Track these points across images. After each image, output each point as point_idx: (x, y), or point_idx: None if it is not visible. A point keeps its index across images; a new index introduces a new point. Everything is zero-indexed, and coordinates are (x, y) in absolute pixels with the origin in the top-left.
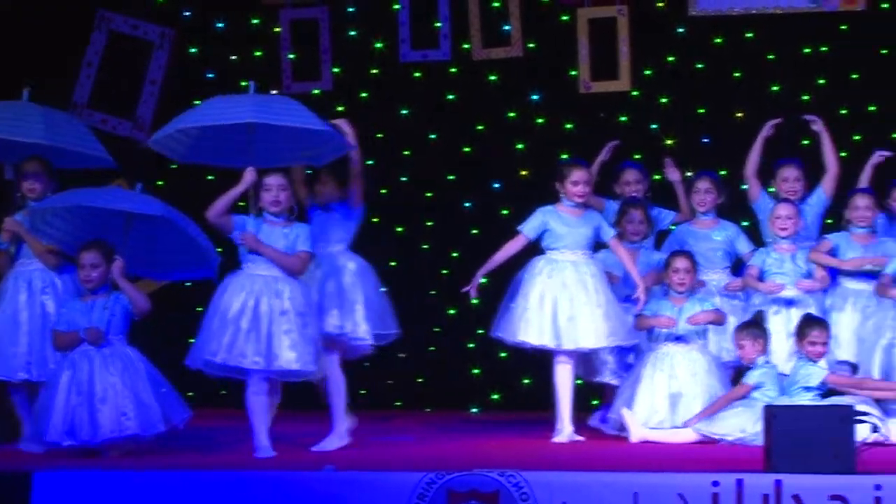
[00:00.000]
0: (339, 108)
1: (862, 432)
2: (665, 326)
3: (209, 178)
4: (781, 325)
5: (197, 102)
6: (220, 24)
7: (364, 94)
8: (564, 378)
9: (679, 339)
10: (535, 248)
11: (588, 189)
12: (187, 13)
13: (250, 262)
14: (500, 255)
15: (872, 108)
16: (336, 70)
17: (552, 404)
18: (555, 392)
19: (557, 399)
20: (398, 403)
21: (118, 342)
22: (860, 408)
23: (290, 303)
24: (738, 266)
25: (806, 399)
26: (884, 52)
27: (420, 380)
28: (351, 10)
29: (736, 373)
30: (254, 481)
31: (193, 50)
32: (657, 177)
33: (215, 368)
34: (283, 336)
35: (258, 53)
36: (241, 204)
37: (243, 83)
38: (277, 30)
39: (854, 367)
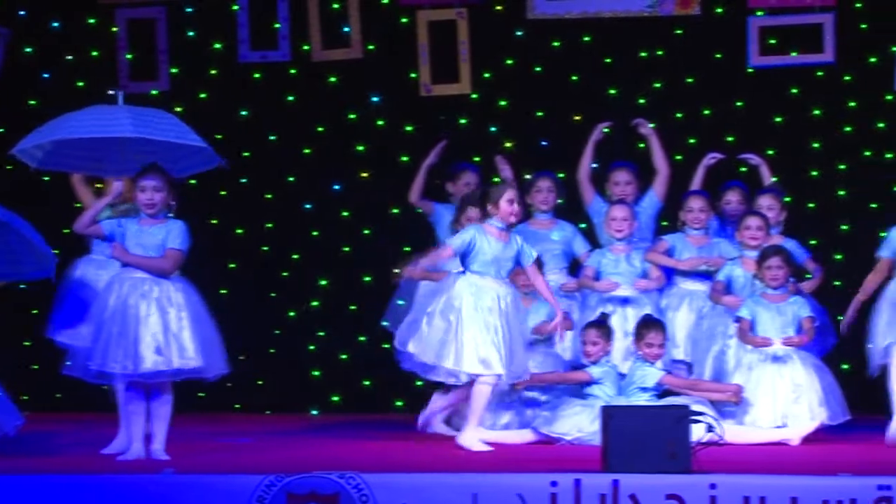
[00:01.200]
0: (178, 109)
1: (697, 432)
2: None
3: (45, 178)
4: (618, 324)
5: (33, 102)
6: (55, 24)
7: (203, 95)
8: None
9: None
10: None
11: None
12: (22, 13)
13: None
14: None
15: (707, 112)
16: (174, 70)
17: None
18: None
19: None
20: (237, 406)
21: None
22: (695, 408)
23: (158, 303)
24: (575, 266)
25: (642, 399)
26: (718, 56)
27: (260, 382)
28: (189, 10)
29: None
30: (92, 484)
31: (29, 50)
32: (496, 179)
33: (90, 376)
34: (149, 338)
35: (95, 53)
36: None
37: (110, 92)
38: (114, 29)
39: (689, 366)
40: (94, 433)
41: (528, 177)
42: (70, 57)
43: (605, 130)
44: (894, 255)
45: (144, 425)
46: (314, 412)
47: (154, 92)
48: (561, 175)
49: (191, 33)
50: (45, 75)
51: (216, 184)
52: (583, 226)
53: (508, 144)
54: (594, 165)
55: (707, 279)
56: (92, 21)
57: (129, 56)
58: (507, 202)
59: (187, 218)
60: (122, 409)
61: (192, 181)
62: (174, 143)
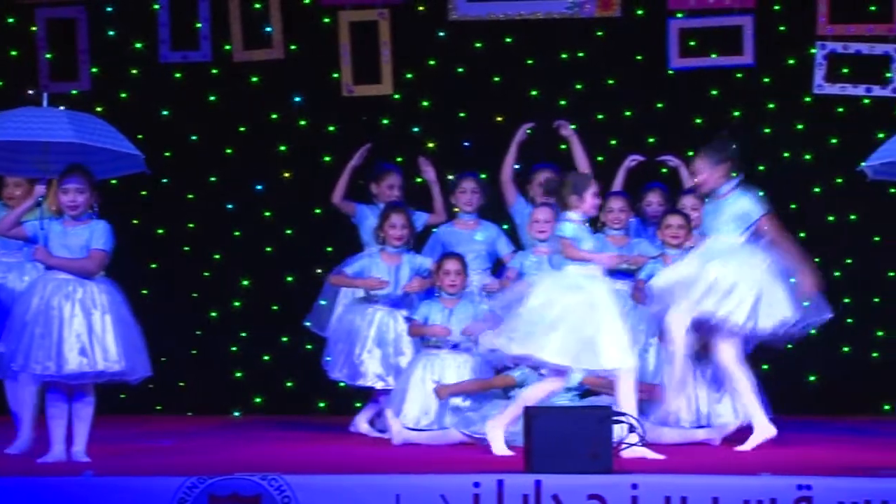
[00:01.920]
0: (98, 109)
1: (619, 432)
2: (438, 335)
3: None
4: None
5: None
6: None
7: (124, 95)
8: None
9: (454, 346)
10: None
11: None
12: None
13: (49, 268)
14: None
15: (627, 114)
16: (95, 70)
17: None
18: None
19: None
20: (159, 407)
21: None
22: (617, 408)
23: (82, 305)
24: (498, 267)
25: (565, 400)
26: (638, 58)
27: (182, 384)
28: (109, 9)
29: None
30: (11, 487)
31: None
32: (418, 180)
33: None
34: (73, 338)
35: (14, 53)
36: None
37: (30, 92)
38: (34, 29)
39: None
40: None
41: (450, 177)
42: None
43: (528, 131)
44: None
45: (66, 427)
46: (236, 413)
47: (74, 92)
48: (483, 176)
49: (111, 33)
50: None
51: (137, 184)
52: (505, 227)
53: (431, 145)
54: (516, 166)
55: (628, 278)
56: (11, 20)
57: (48, 56)
58: (594, 195)
59: (108, 218)
60: (22, 408)
61: (113, 181)
62: (108, 150)
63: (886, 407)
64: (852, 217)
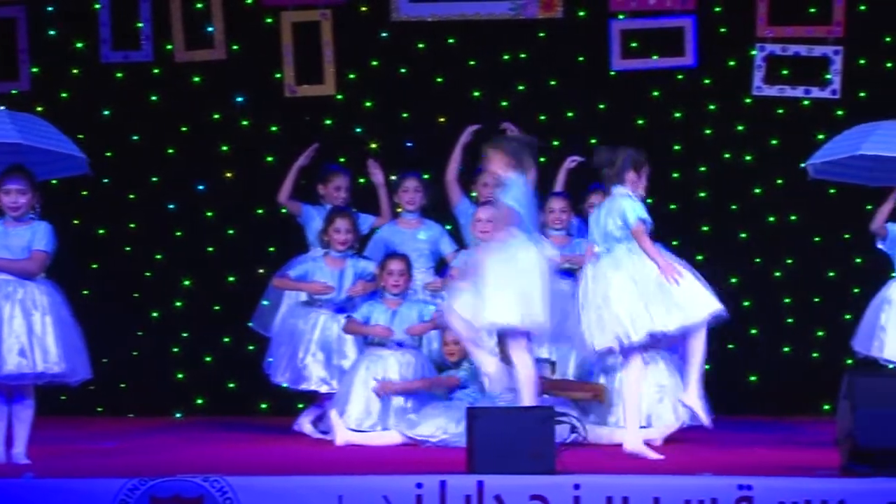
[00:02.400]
0: (39, 109)
1: (561, 433)
2: (380, 335)
3: None
4: None
5: None
6: None
7: (64, 95)
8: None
9: (399, 344)
10: None
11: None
12: None
13: None
14: None
15: (570, 115)
16: (35, 70)
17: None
18: None
19: None
20: (100, 409)
21: None
22: (559, 408)
23: (22, 305)
24: (442, 266)
25: (507, 400)
26: (580, 59)
27: (123, 385)
28: (50, 9)
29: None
30: None
31: None
32: (361, 180)
33: None
34: (12, 339)
35: None
36: None
37: None
38: None
39: (553, 365)
40: None
41: (394, 177)
42: None
43: (471, 133)
44: None
45: (5, 429)
46: (178, 415)
47: (14, 92)
48: (426, 176)
49: (52, 32)
50: None
51: (79, 184)
52: (448, 227)
53: (374, 145)
54: (460, 167)
55: (570, 277)
56: None
57: None
58: (647, 174)
59: (49, 218)
60: None
61: (54, 182)
62: (50, 151)
63: (826, 407)
64: (793, 218)
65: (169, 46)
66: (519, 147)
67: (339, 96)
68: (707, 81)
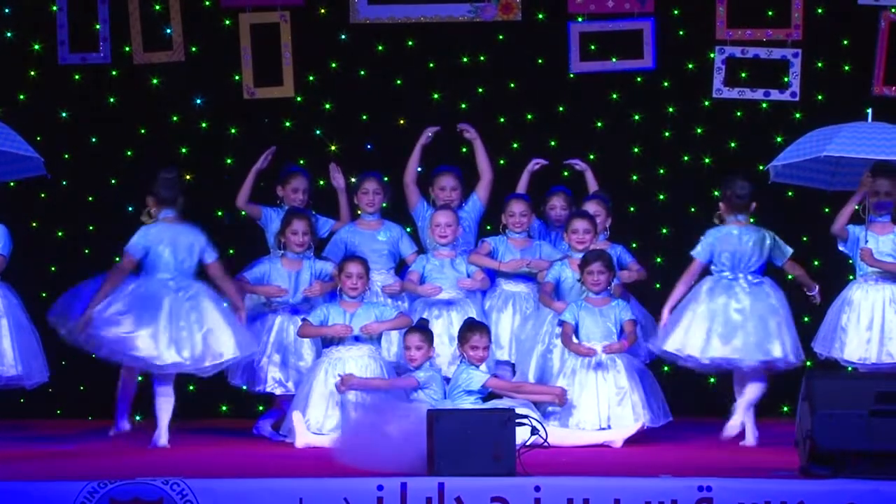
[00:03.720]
0: None
1: (521, 435)
2: (339, 334)
3: None
4: (443, 328)
5: None
6: None
7: (22, 96)
8: None
9: (356, 339)
10: None
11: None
12: None
13: None
14: None
15: (530, 117)
16: None
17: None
18: None
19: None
20: (59, 412)
21: None
22: (520, 411)
23: None
24: (402, 267)
25: (468, 403)
26: (540, 61)
27: (82, 387)
28: (7, 10)
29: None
30: None
31: None
32: (321, 182)
33: None
34: None
35: None
36: None
37: None
38: None
39: (513, 367)
40: None
41: (353, 180)
42: None
43: (431, 135)
44: (705, 260)
45: None
46: (138, 417)
47: None
48: (385, 179)
49: (9, 34)
50: None
51: (36, 186)
52: (408, 229)
53: (333, 147)
54: (419, 169)
55: (530, 281)
56: None
57: None
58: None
59: (6, 221)
60: None
61: (11, 184)
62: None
63: (786, 408)
64: (752, 220)
65: (127, 48)
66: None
67: (299, 98)
68: (666, 84)
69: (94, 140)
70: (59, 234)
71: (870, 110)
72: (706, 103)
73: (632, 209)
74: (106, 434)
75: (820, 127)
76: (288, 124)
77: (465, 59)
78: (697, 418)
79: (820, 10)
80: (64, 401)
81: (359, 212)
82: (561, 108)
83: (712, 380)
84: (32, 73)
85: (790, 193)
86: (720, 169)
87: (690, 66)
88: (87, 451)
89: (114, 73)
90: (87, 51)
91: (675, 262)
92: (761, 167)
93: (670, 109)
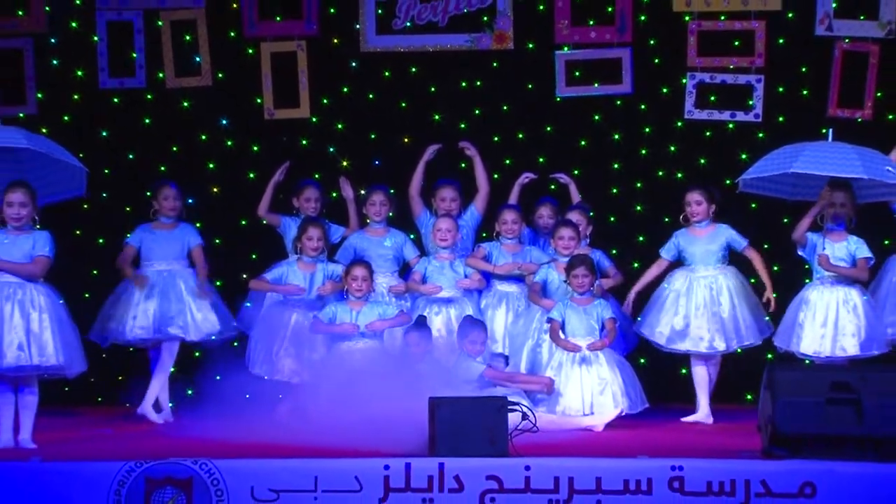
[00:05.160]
0: (44, 130)
1: (513, 420)
2: (347, 332)
3: None
4: (442, 323)
5: None
6: None
7: (66, 118)
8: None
9: (362, 335)
10: None
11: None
12: None
13: None
14: None
15: (520, 136)
16: (40, 95)
17: None
18: None
19: None
20: (100, 399)
21: None
22: (512, 398)
23: (21, 306)
24: (405, 270)
25: (466, 391)
26: (530, 86)
27: (120, 377)
28: (53, 41)
29: None
30: None
31: None
32: (334, 194)
33: None
34: (12, 334)
35: None
36: None
37: None
38: None
39: (507, 359)
40: None
41: (363, 192)
42: None
43: (432, 152)
44: (672, 257)
45: (13, 417)
46: (170, 405)
47: (22, 115)
48: (392, 191)
49: (55, 62)
50: None
51: (79, 198)
52: (412, 236)
53: (345, 163)
54: (422, 182)
55: (521, 282)
56: None
57: None
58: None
59: (54, 229)
60: None
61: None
62: (54, 160)
63: (749, 396)
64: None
65: (160, 74)
66: None
67: (314, 119)
68: (643, 107)
69: (130, 156)
70: (100, 240)
71: (830, 131)
72: (679, 124)
73: (611, 219)
74: (142, 419)
75: (781, 145)
76: (304, 142)
77: (463, 84)
78: (671, 405)
79: (781, 41)
80: (104, 390)
81: (367, 220)
82: (548, 128)
83: (684, 371)
84: (76, 96)
85: (753, 205)
86: (691, 183)
87: (664, 90)
88: (124, 435)
89: (148, 96)
90: (125, 76)
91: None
92: (728, 181)
93: (646, 129)
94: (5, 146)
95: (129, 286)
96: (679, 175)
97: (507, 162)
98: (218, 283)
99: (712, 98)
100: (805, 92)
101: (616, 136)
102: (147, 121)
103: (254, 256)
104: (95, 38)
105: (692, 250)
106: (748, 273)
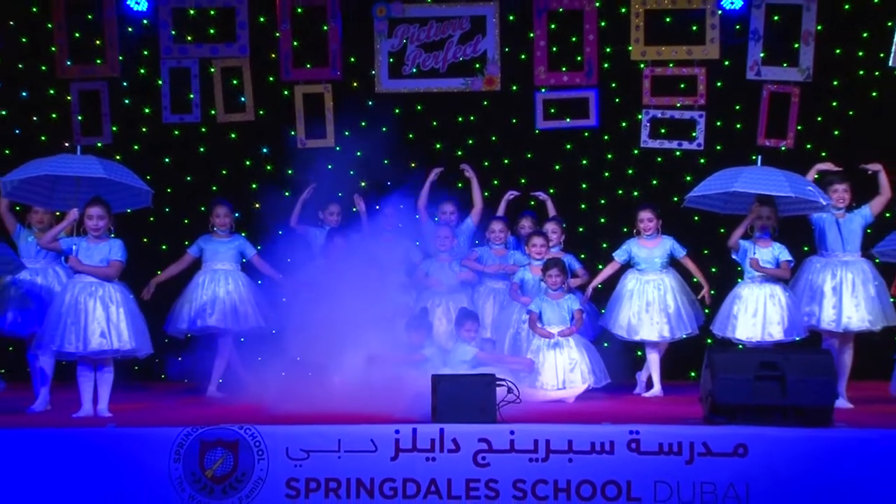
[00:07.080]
0: (118, 157)
1: (501, 393)
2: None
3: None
4: (442, 312)
5: (7, 152)
6: (24, 94)
7: (136, 147)
8: None
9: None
10: None
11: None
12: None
13: (77, 273)
14: None
15: (506, 161)
16: (115, 129)
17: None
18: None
19: None
20: (163, 377)
21: None
22: (500, 376)
23: (101, 300)
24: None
25: (462, 370)
26: (514, 120)
27: (179, 358)
28: (125, 84)
29: None
30: (54, 436)
31: (3, 112)
32: (354, 209)
33: (61, 355)
34: (95, 324)
35: (54, 115)
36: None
37: (66, 144)
38: (69, 98)
39: (494, 344)
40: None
41: (377, 207)
42: (35, 118)
43: (436, 174)
44: (623, 261)
45: (92, 391)
46: (220, 381)
47: (99, 144)
48: (402, 206)
49: (126, 101)
50: (17, 131)
51: (146, 212)
52: (417, 242)
53: (363, 184)
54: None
55: (506, 279)
56: (52, 92)
57: (80, 118)
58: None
59: (126, 237)
60: (78, 380)
61: (129, 211)
62: (126, 184)
63: (692, 374)
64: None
65: (213, 111)
66: None
67: (338, 147)
68: (606, 137)
69: (188, 178)
70: (164, 247)
71: (759, 157)
72: (635, 151)
73: (580, 229)
74: (197, 393)
75: (720, 169)
76: (330, 167)
77: (459, 119)
78: (629, 382)
79: (719, 84)
80: (167, 368)
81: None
82: (529, 155)
83: (640, 353)
84: (144, 129)
85: (696, 218)
86: (645, 200)
87: (624, 124)
88: (183, 405)
89: (203, 129)
90: (184, 113)
91: None
92: (675, 198)
93: (609, 156)
94: (86, 175)
95: (195, 282)
96: (635, 193)
97: (496, 182)
98: (258, 283)
99: (663, 130)
100: (738, 125)
101: (584, 162)
102: (202, 149)
103: (288, 260)
104: (160, 82)
105: (642, 256)
106: (685, 275)
